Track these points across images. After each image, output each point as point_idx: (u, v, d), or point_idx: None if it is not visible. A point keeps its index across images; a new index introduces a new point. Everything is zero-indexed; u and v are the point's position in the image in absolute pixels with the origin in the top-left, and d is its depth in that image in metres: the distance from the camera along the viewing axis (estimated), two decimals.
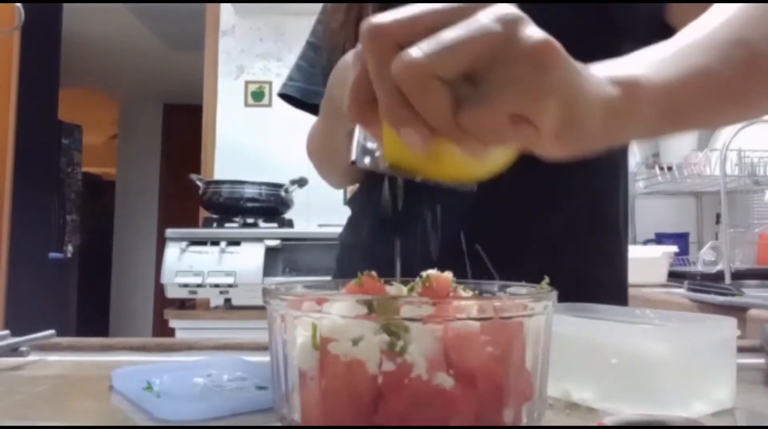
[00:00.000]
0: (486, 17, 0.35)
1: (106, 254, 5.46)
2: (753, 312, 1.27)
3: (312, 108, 0.90)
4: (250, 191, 2.37)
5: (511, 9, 0.36)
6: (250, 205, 2.36)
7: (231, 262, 2.10)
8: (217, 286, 2.07)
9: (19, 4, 1.98)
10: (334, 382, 0.37)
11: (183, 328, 2.12)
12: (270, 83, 2.83)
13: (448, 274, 0.45)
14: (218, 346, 0.73)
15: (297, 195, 2.49)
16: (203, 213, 2.57)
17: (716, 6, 0.53)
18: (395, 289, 0.45)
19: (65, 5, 3.56)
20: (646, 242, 2.65)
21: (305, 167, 0.95)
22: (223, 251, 2.11)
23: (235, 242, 2.15)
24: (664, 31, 0.64)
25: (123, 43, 4.60)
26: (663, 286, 2.02)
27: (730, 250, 1.93)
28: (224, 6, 2.84)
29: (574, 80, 0.38)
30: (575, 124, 0.39)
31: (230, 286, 2.07)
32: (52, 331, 0.71)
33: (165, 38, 4.49)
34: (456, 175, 0.40)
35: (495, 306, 0.38)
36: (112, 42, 4.59)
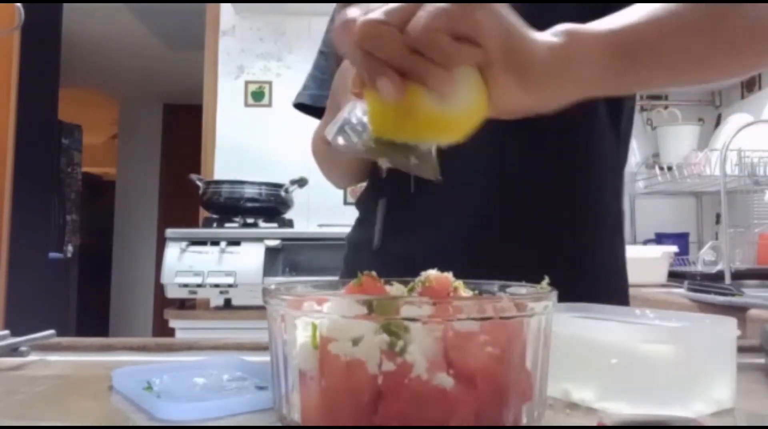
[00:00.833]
0: None
1: (106, 254, 5.47)
2: (753, 312, 1.27)
3: (324, 113, 0.92)
4: (250, 191, 2.37)
5: None
6: (250, 205, 2.36)
7: (231, 262, 2.10)
8: (217, 286, 2.07)
9: (19, 4, 1.98)
10: (334, 382, 0.37)
11: (183, 328, 2.12)
12: (270, 83, 2.83)
13: (448, 274, 0.45)
14: (218, 346, 0.73)
15: (297, 195, 2.49)
16: (203, 213, 2.57)
17: None
18: (395, 289, 0.45)
19: (65, 5, 3.56)
20: (646, 242, 2.65)
21: (305, 167, 0.95)
22: (223, 251, 2.11)
23: (235, 242, 2.15)
24: None
25: (123, 43, 4.59)
26: (663, 286, 2.02)
27: (730, 250, 1.93)
28: (224, 6, 2.84)
29: (510, 15, 0.43)
30: (522, 55, 0.43)
31: (230, 286, 2.07)
32: (52, 331, 0.71)
33: (165, 38, 4.48)
34: (434, 124, 0.42)
35: (495, 306, 0.38)
36: (112, 42, 4.59)
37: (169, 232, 2.18)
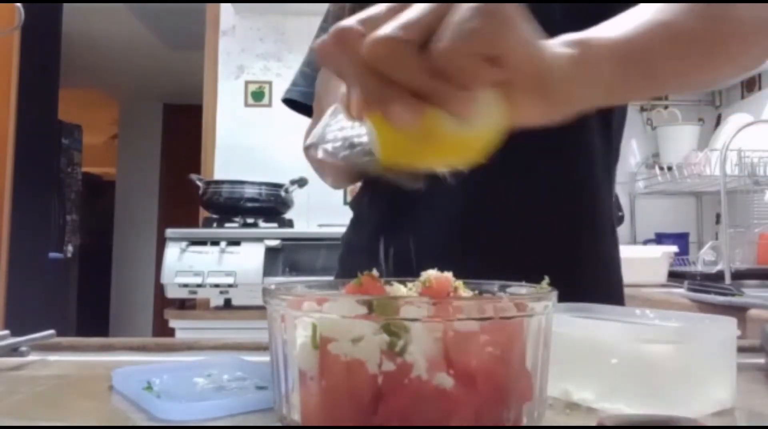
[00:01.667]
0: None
1: (106, 254, 5.47)
2: (753, 312, 1.27)
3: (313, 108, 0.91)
4: (250, 191, 2.37)
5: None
6: (250, 205, 2.36)
7: (231, 262, 2.10)
8: (217, 286, 2.07)
9: (19, 4, 1.98)
10: (334, 382, 0.37)
11: (183, 328, 2.12)
12: (270, 83, 2.83)
13: (448, 274, 0.45)
14: (218, 346, 0.73)
15: (297, 195, 2.49)
16: (203, 213, 2.57)
17: None
18: (395, 289, 0.45)
19: (65, 5, 3.56)
20: (646, 242, 2.65)
21: (305, 167, 0.95)
22: (223, 251, 2.11)
23: (235, 242, 2.15)
24: None
25: (123, 43, 4.59)
26: (663, 286, 2.02)
27: (730, 250, 1.93)
28: (224, 6, 2.84)
29: (531, 34, 0.40)
30: (542, 71, 0.41)
31: (230, 286, 2.07)
32: (52, 331, 0.71)
33: (165, 38, 4.49)
34: (453, 149, 0.40)
35: (495, 306, 0.38)
36: (112, 42, 4.59)
37: (169, 232, 2.18)
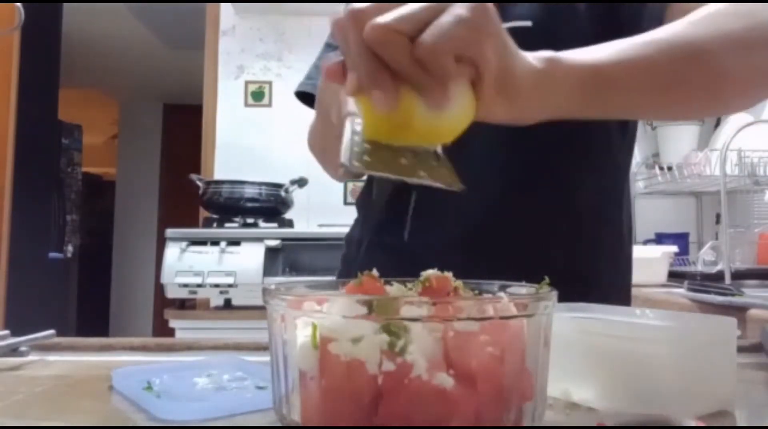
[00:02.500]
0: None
1: (106, 254, 5.47)
2: (753, 312, 1.27)
3: None
4: (250, 191, 2.37)
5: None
6: (250, 205, 2.36)
7: (231, 262, 2.10)
8: (217, 286, 2.07)
9: (19, 4, 1.98)
10: (334, 382, 0.37)
11: (183, 328, 2.12)
12: (270, 83, 2.83)
13: (448, 274, 0.45)
14: (218, 346, 0.73)
15: (297, 195, 2.49)
16: (203, 213, 2.57)
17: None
18: (395, 289, 0.45)
19: (65, 5, 3.56)
20: (646, 242, 2.64)
21: (305, 167, 0.96)
22: (223, 251, 2.11)
23: (235, 242, 2.15)
24: None
25: (123, 43, 4.59)
26: (663, 286, 2.02)
27: (730, 250, 1.93)
28: (224, 6, 2.84)
29: (507, 40, 0.47)
30: (509, 77, 0.47)
31: (230, 286, 2.07)
32: (52, 331, 0.71)
33: (165, 38, 4.48)
34: (425, 133, 0.45)
35: (495, 306, 0.38)
36: (112, 42, 4.59)
37: (169, 232, 2.18)
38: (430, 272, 0.45)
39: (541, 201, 0.78)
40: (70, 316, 4.18)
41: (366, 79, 0.43)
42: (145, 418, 0.45)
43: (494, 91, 0.46)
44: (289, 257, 2.17)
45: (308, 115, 0.94)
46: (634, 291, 1.74)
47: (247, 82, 2.84)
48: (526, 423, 0.39)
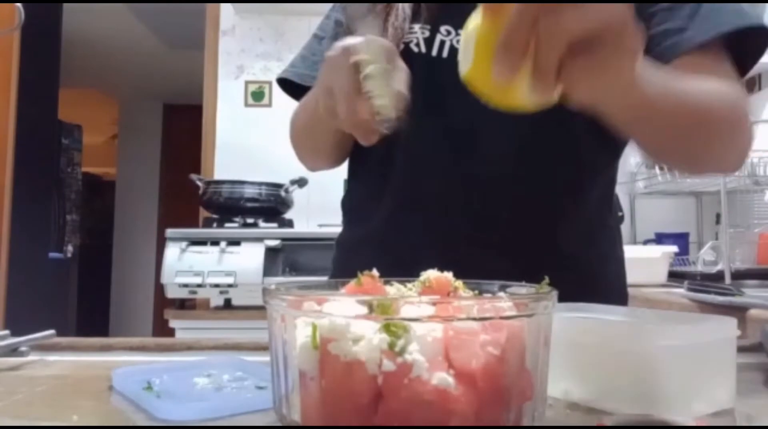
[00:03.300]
0: None
1: (106, 254, 5.47)
2: (753, 312, 1.27)
3: (304, 93, 0.92)
4: (250, 191, 2.37)
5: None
6: (250, 205, 2.36)
7: (231, 262, 2.10)
8: (217, 286, 2.07)
9: (19, 4, 1.98)
10: (334, 382, 0.37)
11: (183, 328, 2.12)
12: (270, 83, 2.83)
13: (448, 274, 0.45)
14: (218, 346, 0.73)
15: (297, 195, 2.49)
16: (203, 213, 2.57)
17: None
18: (395, 289, 0.45)
19: (65, 5, 3.56)
20: (646, 242, 2.65)
21: (305, 167, 0.97)
22: (223, 251, 2.11)
23: (235, 242, 2.15)
24: None
25: (123, 43, 4.60)
26: (663, 286, 2.02)
27: (730, 250, 1.93)
28: (224, 6, 2.84)
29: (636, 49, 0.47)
30: (611, 75, 0.46)
31: (230, 286, 2.07)
32: (52, 331, 0.71)
33: (165, 38, 4.49)
34: (514, 104, 0.47)
35: (495, 306, 0.38)
36: (112, 42, 4.59)
37: (169, 232, 2.18)
38: (431, 272, 0.46)
39: (548, 209, 0.79)
40: (70, 316, 4.18)
41: (517, 46, 0.42)
42: (145, 418, 0.45)
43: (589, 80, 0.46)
44: (289, 257, 2.17)
45: None
46: (635, 291, 1.74)
47: (247, 82, 2.84)
48: (526, 423, 0.39)
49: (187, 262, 2.09)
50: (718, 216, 2.65)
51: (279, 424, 0.42)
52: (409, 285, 0.47)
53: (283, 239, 2.17)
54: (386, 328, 0.36)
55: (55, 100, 3.55)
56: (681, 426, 0.39)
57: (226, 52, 2.85)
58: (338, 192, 2.94)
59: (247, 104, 2.84)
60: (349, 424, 0.36)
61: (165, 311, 2.19)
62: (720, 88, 0.69)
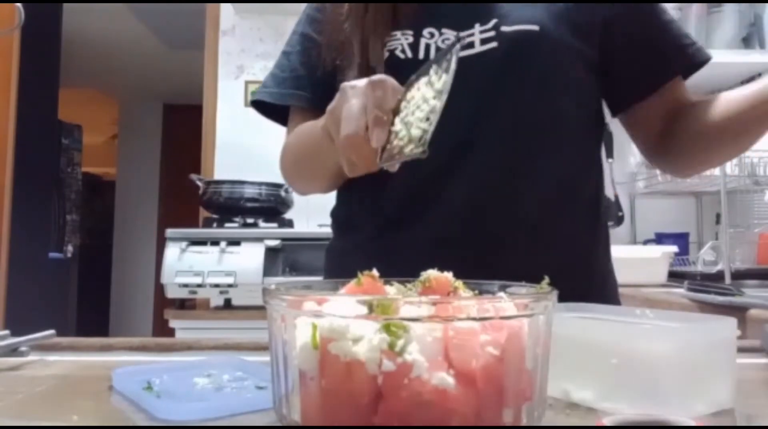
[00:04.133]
0: None
1: (106, 254, 5.47)
2: (753, 312, 1.27)
3: (281, 112, 0.97)
4: (250, 191, 2.37)
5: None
6: (250, 205, 2.36)
7: (231, 262, 2.10)
8: (217, 286, 2.07)
9: (19, 4, 1.98)
10: (334, 382, 0.37)
11: (183, 328, 2.12)
12: None
13: (448, 274, 0.45)
14: (218, 346, 0.73)
15: (297, 195, 2.48)
16: (203, 213, 2.57)
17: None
18: (395, 289, 0.45)
19: (65, 5, 3.56)
20: (646, 242, 2.64)
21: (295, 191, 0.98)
22: (223, 251, 2.11)
23: (235, 242, 2.14)
24: None
25: (123, 43, 4.59)
26: (663, 286, 2.02)
27: (730, 250, 1.93)
28: (224, 6, 2.84)
29: None
30: None
31: (230, 286, 2.07)
32: (52, 331, 0.71)
33: (165, 38, 4.48)
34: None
35: (495, 306, 0.38)
36: (112, 42, 4.59)
37: (169, 232, 2.18)
38: (431, 272, 0.46)
39: (508, 181, 0.78)
40: (70, 316, 4.18)
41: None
42: (145, 418, 0.45)
43: None
44: (289, 257, 2.17)
45: None
46: (635, 291, 1.74)
47: (247, 82, 2.84)
48: (526, 423, 0.39)
49: (187, 262, 2.09)
50: (718, 216, 2.65)
51: (279, 424, 0.42)
52: (409, 285, 0.47)
53: (283, 239, 2.17)
54: (386, 328, 0.36)
55: (55, 100, 3.55)
56: (681, 426, 0.39)
57: (226, 52, 2.85)
58: None
59: (247, 104, 2.84)
60: (349, 424, 0.36)
61: (165, 311, 2.19)
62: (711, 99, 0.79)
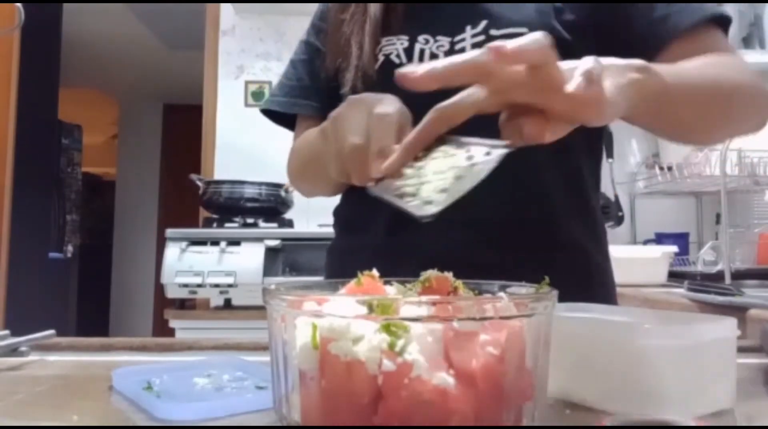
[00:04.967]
0: None
1: (106, 254, 5.47)
2: (753, 312, 1.27)
3: (289, 118, 0.98)
4: (250, 191, 2.37)
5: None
6: (250, 205, 2.36)
7: (231, 262, 2.10)
8: (217, 286, 2.07)
9: (19, 4, 1.98)
10: (334, 382, 0.37)
11: (183, 328, 2.12)
12: (270, 83, 2.83)
13: (448, 274, 0.45)
14: (218, 346, 0.73)
15: (297, 195, 2.48)
16: (203, 213, 2.57)
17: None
18: (395, 289, 0.45)
19: (65, 5, 3.56)
20: (646, 242, 2.64)
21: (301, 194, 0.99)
22: (223, 251, 2.11)
23: (235, 242, 2.15)
24: None
25: (123, 43, 4.60)
26: (663, 286, 2.02)
27: (730, 250, 1.93)
28: (224, 6, 2.84)
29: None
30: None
31: (230, 286, 2.07)
32: (52, 331, 0.71)
33: (165, 38, 4.49)
34: None
35: (495, 306, 0.38)
36: (112, 42, 4.59)
37: (169, 232, 2.18)
38: (431, 272, 0.46)
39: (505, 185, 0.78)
40: (70, 316, 4.19)
41: None
42: (145, 418, 0.45)
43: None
44: (289, 257, 2.17)
45: None
46: (635, 291, 1.74)
47: (247, 82, 2.84)
48: (526, 423, 0.39)
49: (187, 262, 2.09)
50: (718, 216, 2.65)
51: (279, 424, 0.42)
52: (409, 285, 0.47)
53: (283, 239, 2.17)
54: (386, 328, 0.36)
55: (55, 100, 3.55)
56: (681, 426, 0.39)
57: (226, 52, 2.85)
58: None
59: (247, 104, 2.84)
60: (349, 424, 0.36)
61: (165, 311, 2.19)
62: (720, 58, 0.73)
